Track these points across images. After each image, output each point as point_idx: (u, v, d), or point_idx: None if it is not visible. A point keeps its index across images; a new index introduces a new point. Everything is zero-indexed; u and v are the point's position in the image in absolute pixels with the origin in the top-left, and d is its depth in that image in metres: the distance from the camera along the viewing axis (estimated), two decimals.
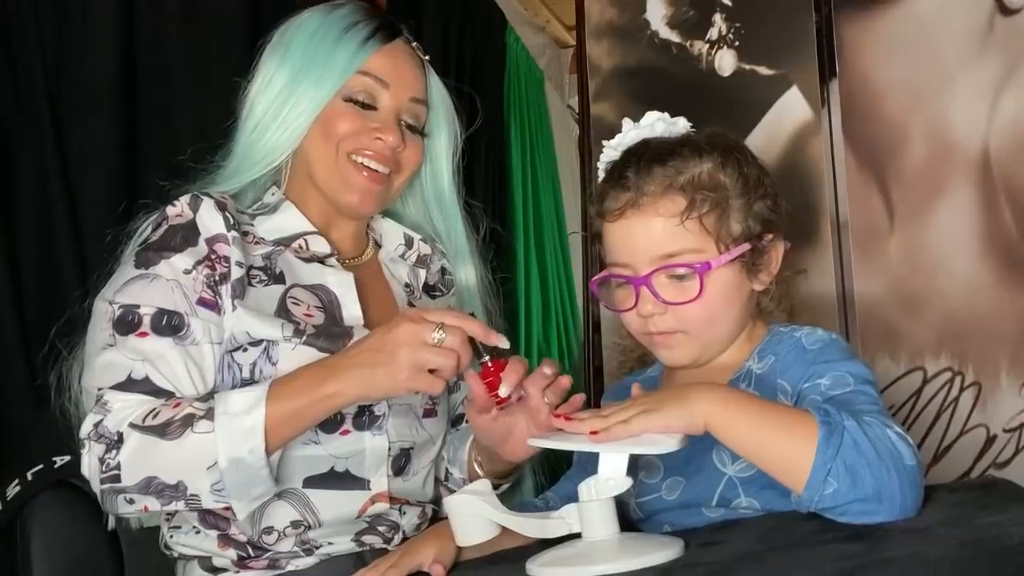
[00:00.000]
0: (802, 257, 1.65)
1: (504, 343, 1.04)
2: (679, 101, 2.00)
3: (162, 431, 1.05)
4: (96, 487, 1.08)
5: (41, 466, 1.27)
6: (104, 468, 1.07)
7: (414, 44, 1.32)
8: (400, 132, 1.24)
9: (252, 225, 1.24)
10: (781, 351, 1.06)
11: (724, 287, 1.06)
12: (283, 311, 1.18)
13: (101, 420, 1.08)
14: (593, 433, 0.90)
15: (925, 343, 1.78)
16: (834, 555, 0.79)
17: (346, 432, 1.17)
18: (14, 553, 1.28)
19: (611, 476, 0.91)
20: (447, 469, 1.32)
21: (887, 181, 1.84)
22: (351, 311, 1.22)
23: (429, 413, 1.26)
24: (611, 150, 1.14)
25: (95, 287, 1.20)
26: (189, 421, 1.05)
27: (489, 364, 1.07)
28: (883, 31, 1.86)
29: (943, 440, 1.76)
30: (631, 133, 1.13)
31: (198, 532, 1.18)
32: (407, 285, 1.34)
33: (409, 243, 1.37)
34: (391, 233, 1.37)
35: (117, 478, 1.06)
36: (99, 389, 1.11)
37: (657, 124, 1.13)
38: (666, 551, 0.87)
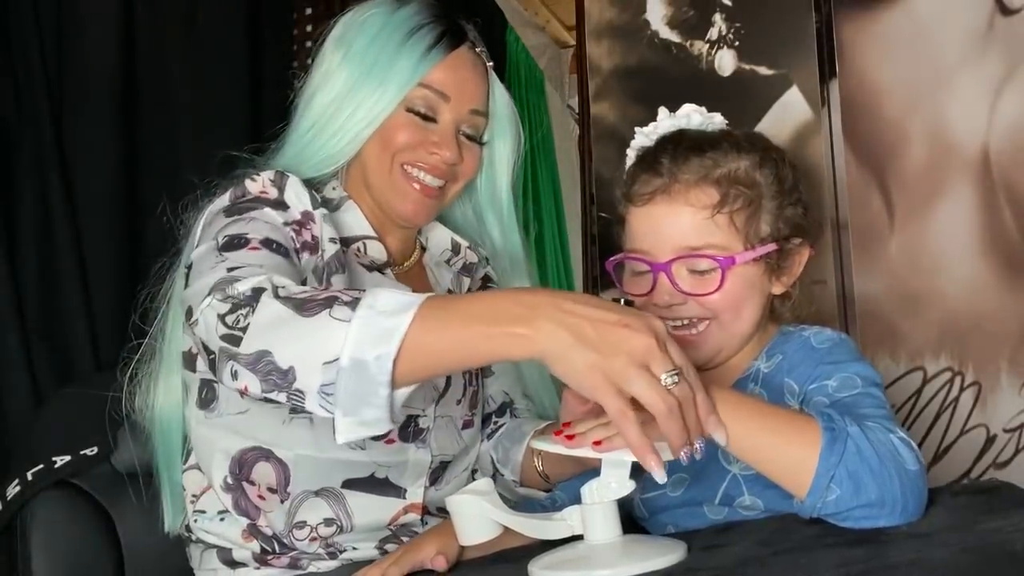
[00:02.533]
0: None
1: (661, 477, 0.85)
2: (679, 101, 1.99)
3: (301, 305, 0.89)
4: (215, 344, 0.93)
5: (41, 466, 1.27)
6: (227, 326, 0.92)
7: (478, 49, 1.28)
8: (457, 146, 1.22)
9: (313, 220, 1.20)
10: (789, 350, 1.06)
11: (745, 284, 1.05)
12: None
13: (231, 282, 0.95)
14: (596, 443, 0.88)
15: (925, 343, 1.78)
16: (837, 560, 0.78)
17: (391, 441, 1.16)
18: (14, 553, 1.28)
19: (614, 480, 0.91)
20: (498, 470, 1.30)
21: (887, 181, 1.84)
22: None
23: (468, 424, 1.27)
24: (643, 136, 1.12)
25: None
26: (331, 303, 0.88)
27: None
28: (883, 31, 1.86)
29: (943, 440, 1.76)
30: (666, 122, 1.12)
31: (223, 519, 1.17)
32: (449, 291, 1.32)
33: (456, 249, 1.34)
34: (439, 237, 1.34)
35: (238, 341, 0.90)
36: (221, 275, 0.98)
37: (693, 116, 1.12)
38: (669, 555, 0.86)
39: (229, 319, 0.92)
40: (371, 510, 1.17)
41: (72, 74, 1.61)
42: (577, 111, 2.29)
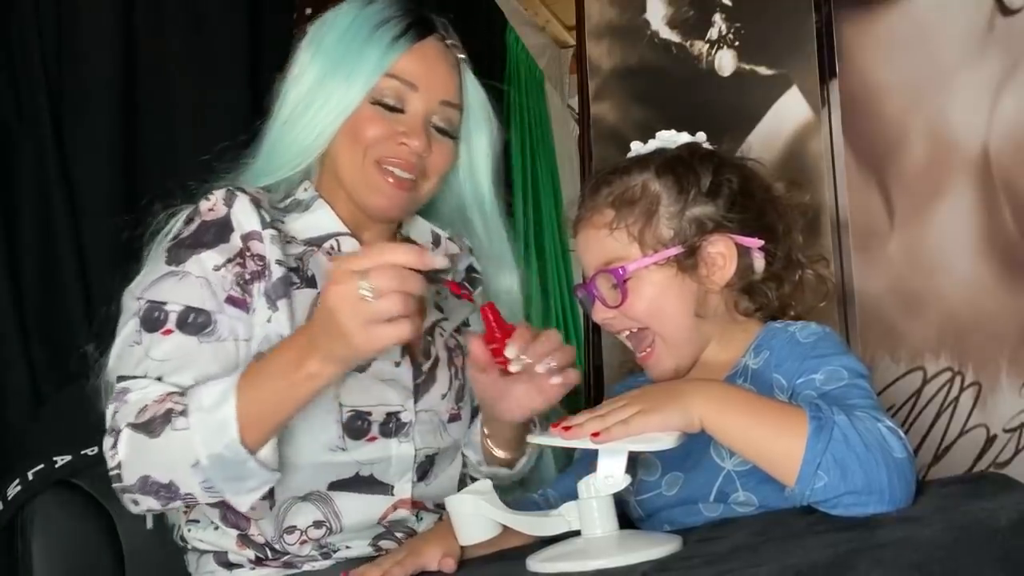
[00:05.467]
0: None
1: (441, 263, 0.99)
2: (679, 101, 2.01)
3: (148, 428, 1.03)
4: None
5: (41, 466, 1.28)
6: (111, 466, 1.06)
7: (449, 42, 1.28)
8: (426, 137, 1.21)
9: (283, 223, 1.22)
10: (776, 345, 1.08)
11: (658, 288, 1.11)
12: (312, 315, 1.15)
13: (115, 412, 1.07)
14: (594, 435, 0.91)
15: (925, 343, 1.78)
16: (828, 542, 0.81)
17: (373, 439, 1.17)
18: (15, 553, 1.28)
19: (610, 474, 0.92)
20: (463, 453, 1.31)
21: (887, 181, 1.83)
22: None
23: (454, 418, 1.27)
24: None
25: (119, 288, 1.18)
26: (168, 418, 1.03)
27: (494, 325, 1.06)
28: (883, 31, 1.86)
29: (943, 440, 1.76)
30: (631, 155, 1.20)
31: (216, 528, 1.17)
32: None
33: (436, 241, 1.34)
34: (419, 229, 1.35)
35: (119, 477, 1.06)
36: (119, 380, 1.10)
37: (652, 142, 1.20)
38: (664, 547, 0.88)
39: (111, 456, 1.05)
40: (360, 509, 1.17)
41: (72, 74, 1.61)
42: (577, 111, 2.29)
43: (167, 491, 1.04)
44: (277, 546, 1.15)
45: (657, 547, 0.88)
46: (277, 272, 1.15)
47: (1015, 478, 0.93)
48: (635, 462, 1.09)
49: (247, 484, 1.04)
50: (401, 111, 1.21)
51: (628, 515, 1.12)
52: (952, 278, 1.77)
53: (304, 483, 1.15)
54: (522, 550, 0.99)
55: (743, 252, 1.13)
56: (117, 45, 1.67)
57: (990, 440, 1.73)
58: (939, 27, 1.81)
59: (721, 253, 1.12)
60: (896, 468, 0.87)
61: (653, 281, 1.12)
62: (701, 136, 1.20)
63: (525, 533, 1.00)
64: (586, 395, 2.07)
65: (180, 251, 1.15)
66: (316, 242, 1.22)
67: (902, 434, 0.90)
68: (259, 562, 1.16)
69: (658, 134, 1.20)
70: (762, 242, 1.14)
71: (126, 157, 1.68)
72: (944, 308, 1.77)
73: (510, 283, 1.37)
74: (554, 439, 0.94)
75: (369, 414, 1.17)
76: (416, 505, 1.21)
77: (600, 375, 2.03)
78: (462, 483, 1.29)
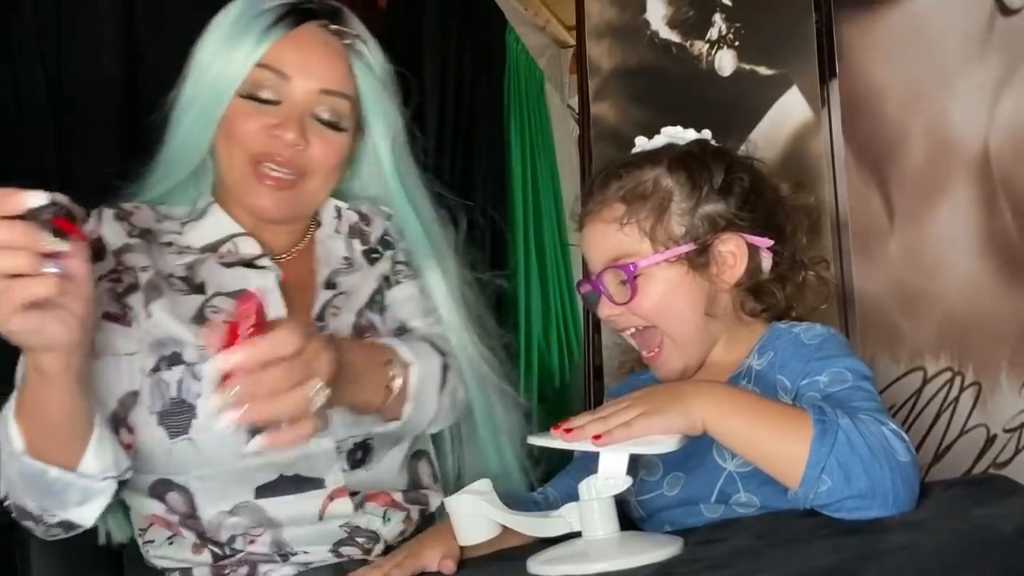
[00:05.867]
0: None
1: (36, 200, 0.84)
2: (679, 101, 2.01)
3: None
4: None
5: None
6: None
7: (333, 27, 1.19)
8: (300, 128, 1.14)
9: (180, 234, 1.19)
10: (780, 346, 1.08)
11: (667, 285, 1.10)
12: (199, 319, 1.11)
13: None
14: (595, 438, 0.90)
15: (925, 343, 1.78)
16: (832, 547, 0.80)
17: None
18: (13, 553, 1.28)
19: (611, 475, 0.92)
20: None
21: (887, 181, 1.84)
22: (276, 312, 1.14)
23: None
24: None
25: None
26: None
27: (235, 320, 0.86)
28: (883, 31, 1.86)
29: (943, 440, 1.76)
30: (636, 150, 1.19)
31: (172, 543, 1.13)
32: (346, 258, 1.26)
33: (339, 214, 1.28)
34: (326, 209, 1.28)
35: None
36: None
37: (658, 139, 1.18)
38: (665, 549, 0.88)
39: None
40: (294, 510, 1.12)
41: (72, 74, 1.61)
42: (577, 111, 2.29)
43: (24, 513, 1.02)
44: (228, 551, 1.11)
45: (658, 550, 0.87)
46: (144, 278, 1.12)
47: (1017, 479, 0.93)
48: (636, 462, 1.08)
49: (66, 497, 0.99)
50: (277, 103, 1.14)
51: (628, 514, 1.11)
52: (952, 278, 1.77)
53: (226, 494, 1.11)
54: (522, 550, 0.98)
55: (753, 251, 1.13)
56: (117, 46, 1.67)
57: (990, 440, 1.73)
58: (939, 27, 1.81)
59: (732, 252, 1.11)
60: (900, 471, 0.86)
61: (663, 278, 1.10)
62: (707, 133, 1.19)
63: (525, 534, 0.99)
64: (585, 395, 2.07)
65: None
66: (213, 247, 1.18)
67: (906, 437, 0.89)
68: (220, 570, 1.12)
69: (664, 130, 1.19)
70: (771, 242, 1.14)
71: (126, 157, 1.68)
72: (944, 308, 1.77)
73: (431, 271, 1.27)
74: (555, 441, 0.94)
75: None
76: (357, 494, 1.14)
77: (600, 375, 2.03)
78: (416, 458, 1.24)
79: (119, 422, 1.08)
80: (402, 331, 1.24)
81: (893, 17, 1.85)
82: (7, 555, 1.29)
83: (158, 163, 1.22)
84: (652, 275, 1.10)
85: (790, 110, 1.91)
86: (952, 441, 1.76)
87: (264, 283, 1.16)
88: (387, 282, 1.26)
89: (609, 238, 1.12)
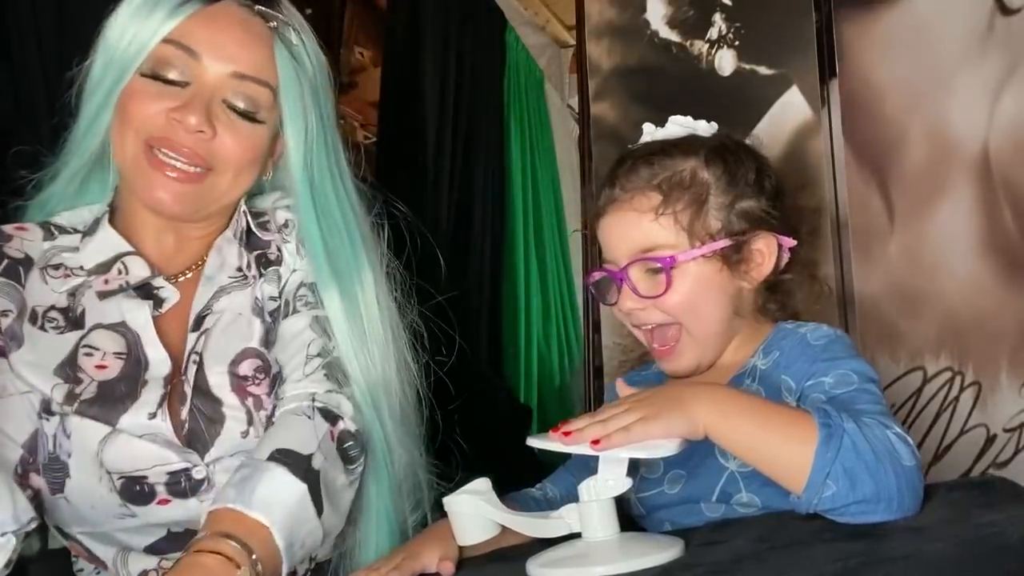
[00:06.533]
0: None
1: None
2: (679, 101, 2.00)
3: None
4: None
5: None
6: None
7: (259, 8, 1.06)
8: (206, 114, 1.01)
9: (78, 248, 1.08)
10: (786, 347, 1.07)
11: (700, 281, 1.07)
12: (68, 366, 1.01)
13: None
14: (594, 442, 0.89)
15: (925, 343, 1.78)
16: (835, 555, 0.79)
17: (165, 501, 1.02)
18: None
19: (611, 477, 0.91)
20: None
21: (887, 181, 1.83)
22: (154, 352, 1.03)
23: None
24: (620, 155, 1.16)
25: None
26: None
27: None
28: (883, 31, 1.85)
29: (943, 440, 1.76)
30: (646, 136, 1.15)
31: (99, 573, 1.09)
32: (239, 269, 1.12)
33: (238, 213, 1.15)
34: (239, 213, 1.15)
35: None
36: None
37: (671, 127, 1.15)
38: (666, 552, 0.87)
39: None
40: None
41: (72, 74, 1.61)
42: (577, 111, 2.29)
43: None
44: None
45: (659, 552, 0.87)
46: (4, 323, 1.01)
47: (1017, 479, 0.93)
48: (637, 462, 1.08)
49: None
50: (183, 85, 1.02)
51: (627, 511, 1.10)
52: (952, 278, 1.77)
53: (118, 546, 1.04)
54: (520, 549, 0.98)
55: (780, 251, 1.11)
56: None
57: (990, 440, 1.73)
58: (939, 27, 1.81)
59: (761, 250, 1.10)
60: (905, 477, 0.85)
61: (696, 274, 1.07)
62: (714, 126, 1.17)
63: (524, 534, 0.99)
64: (585, 395, 2.07)
65: None
66: (104, 267, 1.07)
67: (911, 440, 0.88)
68: None
69: (674, 119, 1.15)
70: (795, 242, 1.12)
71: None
72: (944, 308, 1.77)
73: (332, 299, 1.11)
74: (553, 444, 0.92)
75: (145, 478, 1.01)
76: None
77: (600, 375, 2.03)
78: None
79: (27, 466, 1.01)
80: (277, 382, 1.09)
81: (893, 17, 1.85)
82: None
83: (65, 152, 1.10)
84: (685, 270, 1.06)
85: (790, 110, 1.90)
86: (952, 441, 1.75)
87: (137, 316, 1.05)
88: (284, 307, 1.12)
89: (642, 227, 1.07)
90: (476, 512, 0.98)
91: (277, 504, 0.94)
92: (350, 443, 1.06)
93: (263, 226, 1.16)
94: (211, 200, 1.08)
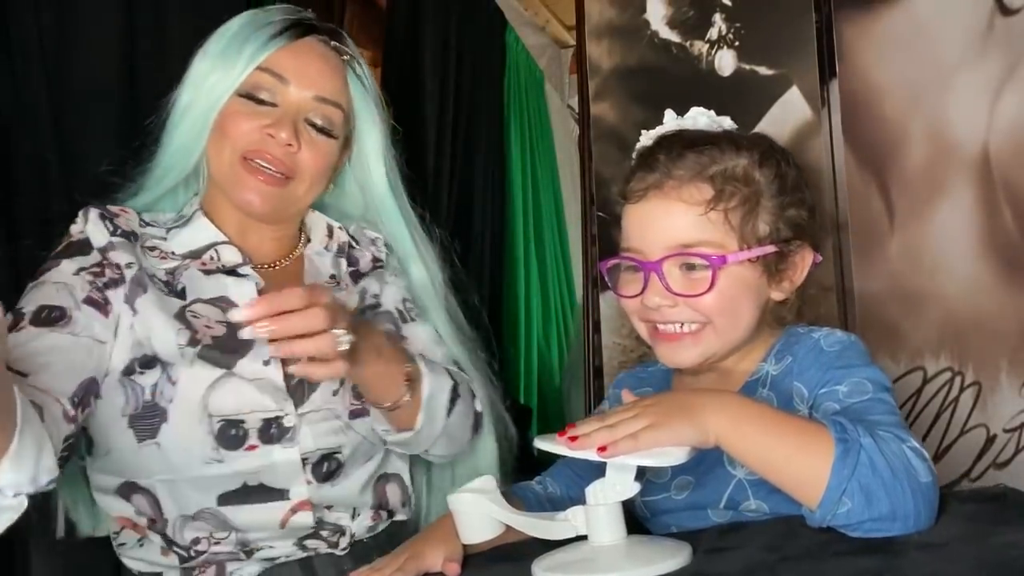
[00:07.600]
0: None
1: None
2: (679, 101, 1.99)
3: None
4: None
5: None
6: None
7: (333, 44, 1.26)
8: (294, 131, 1.19)
9: (165, 239, 1.22)
10: (799, 352, 1.03)
11: (739, 286, 1.02)
12: (182, 319, 1.14)
13: None
14: (601, 449, 0.86)
15: (925, 343, 1.78)
16: (848, 572, 0.77)
17: (253, 447, 1.12)
18: (13, 555, 1.28)
19: (618, 482, 0.90)
20: (375, 428, 1.23)
21: (887, 181, 1.84)
22: None
23: (358, 414, 1.19)
24: (648, 139, 1.10)
25: None
26: None
27: None
28: (883, 31, 1.86)
29: (943, 440, 1.76)
30: (672, 124, 1.10)
31: (142, 544, 1.16)
32: (333, 276, 1.29)
33: (330, 232, 1.33)
34: (317, 225, 1.33)
35: None
36: None
37: (699, 118, 1.10)
38: (674, 558, 0.86)
39: None
40: (255, 519, 1.13)
41: (72, 73, 1.61)
42: (577, 111, 2.29)
43: None
44: (192, 552, 1.13)
45: (667, 559, 0.85)
46: (129, 274, 1.15)
47: (1017, 479, 0.92)
48: (644, 468, 1.06)
49: None
50: (273, 105, 1.19)
51: (632, 513, 1.08)
52: (952, 278, 1.77)
53: (189, 500, 1.12)
54: (524, 547, 0.97)
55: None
56: (117, 46, 1.66)
57: (990, 440, 1.73)
58: (939, 27, 1.81)
59: (798, 262, 1.06)
60: (921, 493, 0.83)
61: (739, 277, 1.02)
62: (735, 125, 1.13)
63: (529, 535, 0.98)
64: (585, 395, 2.07)
65: (46, 264, 1.15)
66: (196, 254, 1.21)
67: (926, 455, 0.86)
68: (183, 562, 1.14)
69: (696, 109, 1.10)
70: (821, 258, 1.08)
71: (125, 158, 1.68)
72: (944, 308, 1.77)
73: (420, 275, 1.34)
74: (560, 447, 0.90)
75: (242, 422, 1.12)
76: (320, 508, 1.16)
77: (600, 375, 2.03)
78: (383, 480, 1.25)
79: (75, 404, 1.06)
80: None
81: (893, 17, 1.85)
82: (8, 561, 1.29)
83: (155, 165, 1.25)
84: (729, 272, 1.01)
85: (790, 110, 1.90)
86: (952, 441, 1.76)
87: (243, 291, 1.19)
88: (401, 315, 1.31)
89: (689, 220, 1.01)
90: (481, 511, 0.97)
91: (432, 370, 1.18)
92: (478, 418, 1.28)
93: (354, 241, 1.34)
94: (290, 203, 1.24)
